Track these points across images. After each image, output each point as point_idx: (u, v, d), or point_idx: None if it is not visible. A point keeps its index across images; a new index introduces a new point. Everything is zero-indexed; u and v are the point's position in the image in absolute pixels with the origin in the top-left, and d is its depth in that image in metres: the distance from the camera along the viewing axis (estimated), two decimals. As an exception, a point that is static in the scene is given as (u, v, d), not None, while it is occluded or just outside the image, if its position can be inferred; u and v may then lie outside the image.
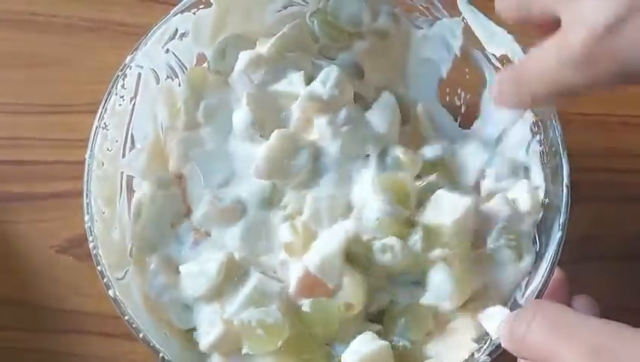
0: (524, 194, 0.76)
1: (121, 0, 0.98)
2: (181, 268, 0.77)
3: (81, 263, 0.87)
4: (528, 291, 0.71)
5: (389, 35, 0.84)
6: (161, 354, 0.69)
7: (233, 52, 0.83)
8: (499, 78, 0.71)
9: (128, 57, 0.77)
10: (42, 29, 0.97)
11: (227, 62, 0.83)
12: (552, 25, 0.62)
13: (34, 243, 0.89)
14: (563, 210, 0.71)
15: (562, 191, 0.72)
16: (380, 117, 0.81)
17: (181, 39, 0.80)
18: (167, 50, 0.80)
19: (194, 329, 0.76)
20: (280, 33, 0.82)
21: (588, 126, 0.94)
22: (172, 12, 0.78)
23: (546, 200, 0.75)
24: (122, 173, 0.78)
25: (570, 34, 0.59)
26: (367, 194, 0.77)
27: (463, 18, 0.80)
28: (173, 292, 0.76)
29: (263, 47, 0.82)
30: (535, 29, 0.65)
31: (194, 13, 0.80)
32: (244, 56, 0.81)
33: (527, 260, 0.74)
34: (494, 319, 0.70)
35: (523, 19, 0.66)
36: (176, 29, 0.79)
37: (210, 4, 0.80)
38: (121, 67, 0.77)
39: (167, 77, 0.81)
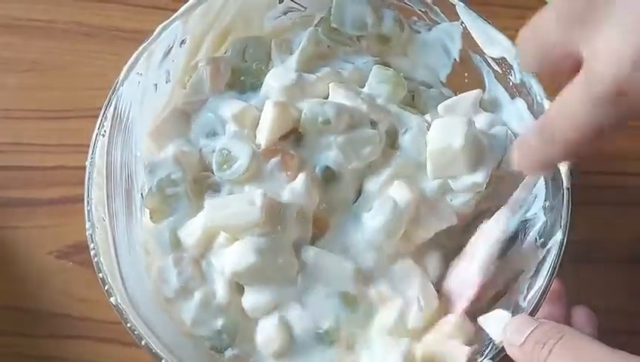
0: None
1: (120, 6, 0.98)
2: None
3: (81, 269, 0.87)
4: (530, 294, 0.71)
5: (390, 40, 0.85)
6: (163, 361, 0.69)
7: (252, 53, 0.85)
8: (520, 140, 0.66)
9: (127, 65, 0.77)
10: (41, 35, 0.97)
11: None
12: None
13: (33, 248, 0.88)
14: (564, 212, 0.71)
15: (563, 193, 0.72)
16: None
17: (180, 46, 0.81)
18: (166, 57, 0.80)
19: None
20: (299, 49, 0.84)
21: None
22: (170, 19, 0.78)
23: (547, 203, 0.75)
24: (123, 179, 0.79)
25: (597, 70, 0.53)
26: None
27: (462, 22, 0.80)
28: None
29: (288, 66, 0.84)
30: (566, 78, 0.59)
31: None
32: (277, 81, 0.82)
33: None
34: (496, 323, 0.69)
35: (551, 71, 0.61)
36: (176, 37, 0.79)
37: (209, 11, 0.81)
38: (120, 75, 0.77)
39: (167, 82, 0.81)
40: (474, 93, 0.82)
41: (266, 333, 0.75)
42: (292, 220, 0.75)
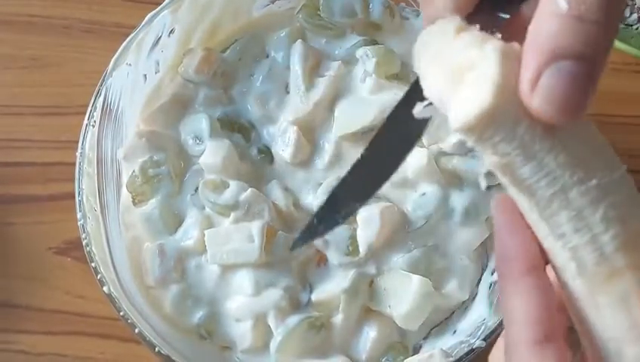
0: None
1: (120, 2, 0.98)
2: None
3: (80, 265, 0.87)
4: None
5: (381, 27, 0.84)
6: (157, 349, 0.69)
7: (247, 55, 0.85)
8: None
9: (115, 56, 0.78)
10: (40, 31, 0.97)
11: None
12: None
13: (32, 245, 0.88)
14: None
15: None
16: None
17: (169, 36, 0.81)
18: (155, 47, 0.81)
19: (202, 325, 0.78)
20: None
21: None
22: (159, 8, 0.79)
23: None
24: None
25: None
26: None
27: (450, 7, 0.79)
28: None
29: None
30: None
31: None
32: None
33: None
34: None
35: None
36: (164, 26, 0.80)
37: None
38: (109, 65, 0.78)
39: (156, 72, 0.82)
40: None
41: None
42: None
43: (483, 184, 0.74)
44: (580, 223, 0.43)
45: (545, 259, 0.46)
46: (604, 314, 0.44)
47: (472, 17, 0.47)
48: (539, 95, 0.41)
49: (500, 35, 0.43)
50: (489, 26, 0.45)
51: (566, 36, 0.40)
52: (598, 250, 0.43)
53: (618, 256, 0.43)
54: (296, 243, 0.56)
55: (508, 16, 0.49)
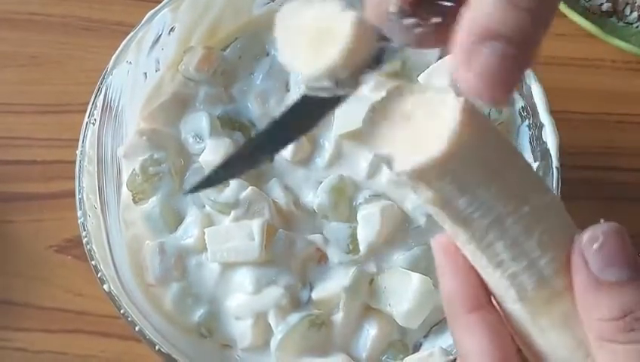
0: None
1: (120, 0, 0.98)
2: None
3: (80, 263, 0.87)
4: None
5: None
6: (157, 347, 0.69)
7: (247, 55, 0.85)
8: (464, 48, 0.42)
9: (116, 53, 0.78)
10: (40, 29, 0.97)
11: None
12: None
13: (32, 243, 0.88)
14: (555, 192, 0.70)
15: (552, 173, 0.71)
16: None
17: (169, 34, 0.81)
18: (155, 45, 0.81)
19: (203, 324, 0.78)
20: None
21: (585, 125, 0.93)
22: (159, 6, 0.79)
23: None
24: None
25: None
26: None
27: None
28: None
29: None
30: None
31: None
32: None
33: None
34: None
35: None
36: (164, 24, 0.80)
37: (196, -2, 0.81)
38: (109, 63, 0.78)
39: (156, 70, 0.82)
40: None
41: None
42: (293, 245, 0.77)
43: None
44: (516, 250, 0.44)
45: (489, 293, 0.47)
46: (549, 337, 0.45)
47: (416, 4, 0.46)
48: (472, 70, 0.41)
49: (439, 20, 0.43)
50: (432, 14, 0.44)
51: (498, 18, 0.40)
52: (537, 274, 0.44)
53: (556, 278, 0.44)
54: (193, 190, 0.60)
55: (451, 4, 0.49)
